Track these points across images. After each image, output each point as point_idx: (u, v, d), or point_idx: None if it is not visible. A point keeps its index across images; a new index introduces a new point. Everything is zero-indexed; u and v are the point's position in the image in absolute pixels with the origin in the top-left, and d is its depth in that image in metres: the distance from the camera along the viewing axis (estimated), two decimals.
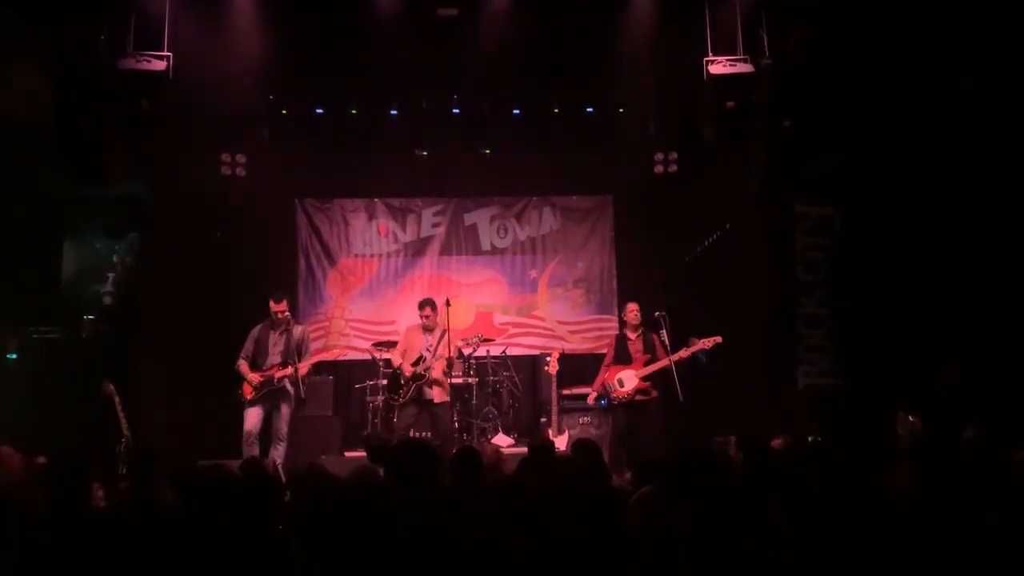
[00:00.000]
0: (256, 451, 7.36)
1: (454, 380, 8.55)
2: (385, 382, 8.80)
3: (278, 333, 7.62)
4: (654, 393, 7.70)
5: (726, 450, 5.45)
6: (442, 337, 7.81)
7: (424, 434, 7.81)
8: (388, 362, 8.96)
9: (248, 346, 7.65)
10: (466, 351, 8.89)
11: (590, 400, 7.98)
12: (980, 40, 7.00)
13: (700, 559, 2.26)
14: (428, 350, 7.82)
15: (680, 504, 2.46)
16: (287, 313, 7.64)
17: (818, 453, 5.92)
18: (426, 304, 8.01)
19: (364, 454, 8.22)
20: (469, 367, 9.21)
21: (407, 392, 7.80)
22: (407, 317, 9.59)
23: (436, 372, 7.78)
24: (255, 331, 7.72)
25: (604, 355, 8.16)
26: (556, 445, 8.09)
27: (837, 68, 7.35)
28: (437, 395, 7.82)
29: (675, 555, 2.23)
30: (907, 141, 7.89)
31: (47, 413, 7.83)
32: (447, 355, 7.74)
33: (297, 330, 7.65)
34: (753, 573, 2.52)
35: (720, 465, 3.42)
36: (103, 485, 4.78)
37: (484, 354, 9.29)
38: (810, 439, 7.03)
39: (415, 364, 7.81)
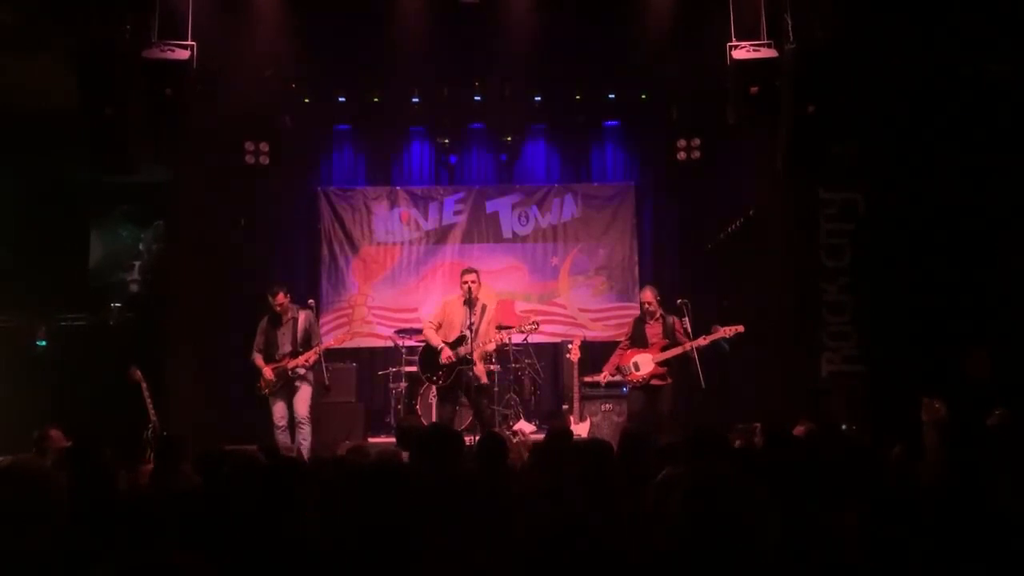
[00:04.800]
0: (288, 440, 7.44)
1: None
2: (409, 369, 8.81)
3: (284, 324, 7.63)
4: (669, 379, 7.62)
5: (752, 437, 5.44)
6: (484, 314, 7.44)
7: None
8: (411, 349, 9.00)
9: (259, 339, 7.68)
10: (518, 338, 8.68)
11: (601, 379, 7.86)
12: (1008, 23, 6.89)
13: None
14: (469, 328, 7.32)
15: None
16: (283, 305, 7.60)
17: (846, 440, 5.89)
18: (471, 271, 7.54)
19: (388, 440, 8.33)
20: (490, 354, 9.20)
21: (447, 376, 7.38)
22: (429, 304, 9.64)
23: (477, 354, 7.33)
24: (262, 324, 7.72)
25: None
26: (577, 432, 8.12)
27: (862, 52, 7.27)
28: (483, 375, 7.42)
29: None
30: (933, 126, 7.80)
31: (75, 399, 7.97)
32: (496, 340, 7.41)
33: (302, 316, 7.62)
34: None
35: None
36: (129, 469, 4.84)
37: (506, 341, 9.30)
38: (844, 427, 6.99)
39: (456, 345, 7.36)
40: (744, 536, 2.02)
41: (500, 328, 7.82)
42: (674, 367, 7.61)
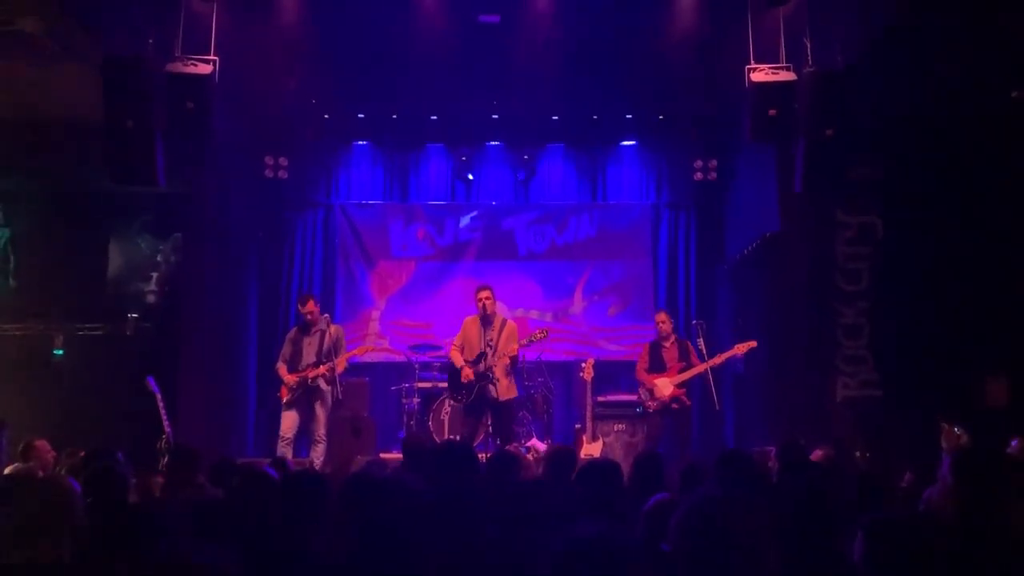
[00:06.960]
0: (289, 453, 7.36)
1: None
2: (422, 384, 8.82)
3: (312, 334, 7.64)
4: (688, 401, 7.72)
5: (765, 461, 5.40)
6: (503, 329, 7.45)
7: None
8: (425, 365, 9.01)
9: (285, 348, 7.72)
10: (532, 354, 8.54)
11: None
12: None
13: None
14: (489, 346, 7.35)
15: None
16: (314, 314, 7.63)
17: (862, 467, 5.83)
18: (485, 288, 7.54)
19: (399, 456, 8.31)
20: (509, 365, 9.14)
21: (471, 394, 7.38)
22: (444, 320, 9.66)
23: (499, 369, 7.31)
24: (291, 333, 7.82)
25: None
26: (590, 452, 8.09)
27: (881, 76, 7.26)
28: (503, 391, 7.35)
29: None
30: (953, 150, 7.77)
31: (91, 408, 8.02)
32: (512, 351, 7.36)
33: (332, 330, 7.63)
34: None
35: None
36: (142, 479, 4.86)
37: (520, 359, 9.26)
38: (858, 454, 6.94)
39: (475, 363, 7.38)
40: (738, 565, 1.99)
41: (528, 339, 7.75)
42: (690, 389, 7.64)
